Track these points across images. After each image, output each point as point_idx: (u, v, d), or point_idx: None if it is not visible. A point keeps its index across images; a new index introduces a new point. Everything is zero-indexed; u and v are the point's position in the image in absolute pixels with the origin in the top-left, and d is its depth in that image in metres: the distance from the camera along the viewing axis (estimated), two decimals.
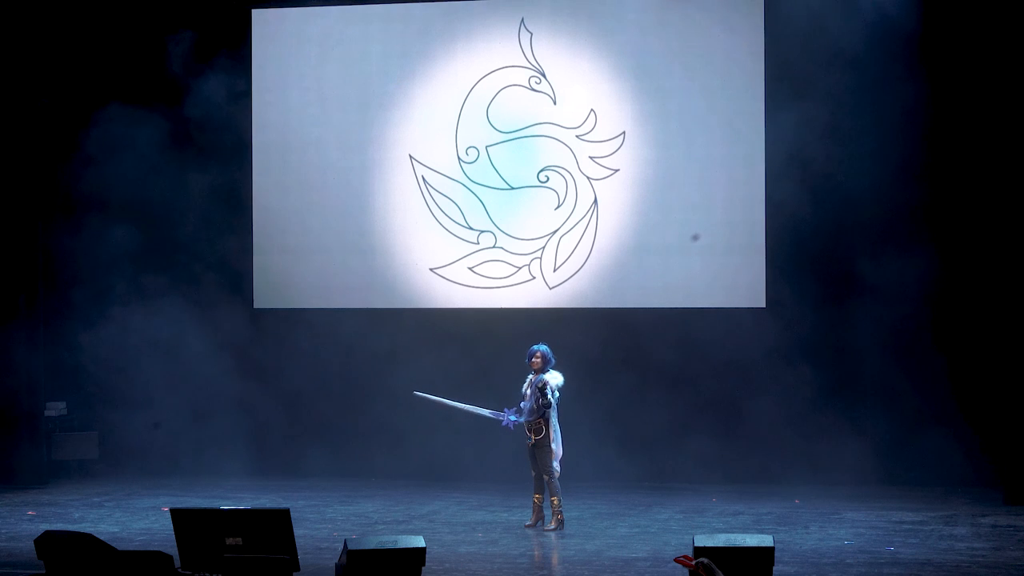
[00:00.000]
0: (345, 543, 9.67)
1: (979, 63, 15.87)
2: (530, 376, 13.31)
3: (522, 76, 17.24)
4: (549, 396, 13.06)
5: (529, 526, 13.31)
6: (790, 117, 16.13)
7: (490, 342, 16.77)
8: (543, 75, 17.16)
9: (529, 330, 15.39)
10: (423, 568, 9.76)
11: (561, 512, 13.20)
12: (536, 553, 12.17)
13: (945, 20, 16.00)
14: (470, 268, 17.31)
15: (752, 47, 16.53)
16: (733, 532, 10.32)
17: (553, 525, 13.17)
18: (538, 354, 13.26)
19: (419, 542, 9.82)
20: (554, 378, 13.21)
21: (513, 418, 13.41)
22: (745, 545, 9.57)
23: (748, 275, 16.64)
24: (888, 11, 15.61)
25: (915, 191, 16.25)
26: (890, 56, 15.96)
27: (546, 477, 13.18)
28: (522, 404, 13.30)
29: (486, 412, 13.76)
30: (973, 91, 15.98)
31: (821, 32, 15.99)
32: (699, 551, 9.05)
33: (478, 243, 17.32)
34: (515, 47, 17.10)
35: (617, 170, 16.98)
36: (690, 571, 8.64)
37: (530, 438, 13.23)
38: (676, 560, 8.89)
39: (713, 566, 8.47)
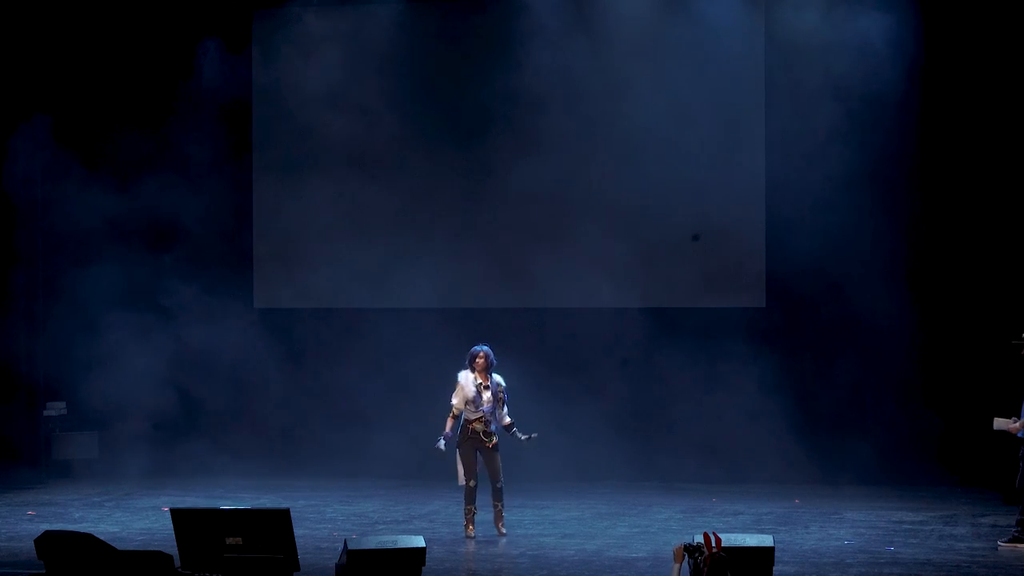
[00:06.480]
0: (345, 543, 9.68)
1: (983, 62, 15.89)
2: (471, 374, 12.80)
3: None
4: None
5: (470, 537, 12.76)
6: (790, 118, 16.13)
7: (491, 341, 16.72)
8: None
9: (531, 330, 15.39)
10: (423, 568, 9.76)
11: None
12: (533, 553, 12.16)
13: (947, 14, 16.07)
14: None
15: (753, 47, 16.54)
16: (733, 532, 10.30)
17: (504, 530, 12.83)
18: (481, 354, 12.84)
19: (419, 542, 9.84)
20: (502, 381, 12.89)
21: (443, 441, 12.83)
22: (745, 545, 9.58)
23: (748, 275, 16.64)
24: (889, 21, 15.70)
25: (916, 191, 16.26)
26: (891, 57, 15.97)
27: (500, 483, 12.79)
28: (484, 408, 12.69)
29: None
30: (975, 91, 15.98)
31: (822, 32, 16.00)
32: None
33: None
34: (515, 47, 17.04)
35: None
36: (704, 548, 8.55)
37: (491, 441, 12.70)
38: (705, 535, 8.76)
39: (722, 562, 8.41)
